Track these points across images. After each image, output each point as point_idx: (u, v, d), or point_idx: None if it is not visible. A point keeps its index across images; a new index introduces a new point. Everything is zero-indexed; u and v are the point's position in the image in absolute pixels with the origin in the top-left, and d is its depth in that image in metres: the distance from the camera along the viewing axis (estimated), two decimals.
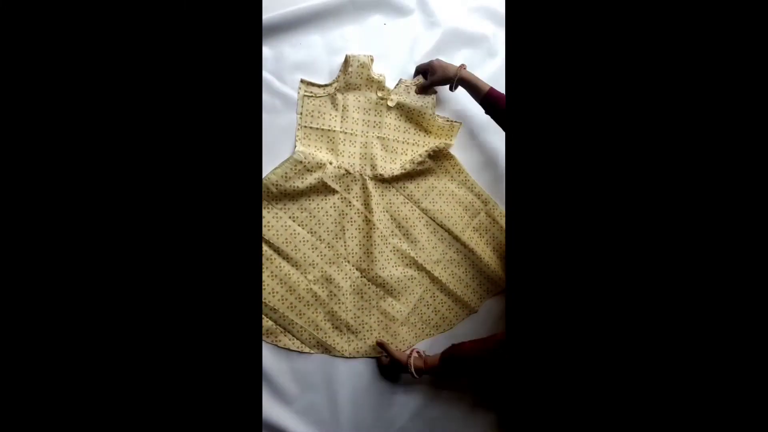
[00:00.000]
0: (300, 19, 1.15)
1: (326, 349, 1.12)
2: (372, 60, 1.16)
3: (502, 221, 1.22)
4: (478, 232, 1.21)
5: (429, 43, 1.23)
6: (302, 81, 1.14)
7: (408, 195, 1.18)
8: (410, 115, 1.18)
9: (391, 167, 1.17)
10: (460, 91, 1.14)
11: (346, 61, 1.14)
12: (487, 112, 1.09)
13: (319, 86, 1.15)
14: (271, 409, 1.07)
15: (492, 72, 1.24)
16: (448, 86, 1.15)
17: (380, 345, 1.12)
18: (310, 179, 1.11)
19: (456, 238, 1.19)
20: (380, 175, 1.15)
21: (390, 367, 1.11)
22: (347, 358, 1.13)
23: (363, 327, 1.14)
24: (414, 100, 1.17)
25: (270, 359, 1.09)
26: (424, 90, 1.17)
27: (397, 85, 1.17)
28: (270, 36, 1.14)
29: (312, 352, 1.12)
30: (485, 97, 1.06)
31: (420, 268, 1.17)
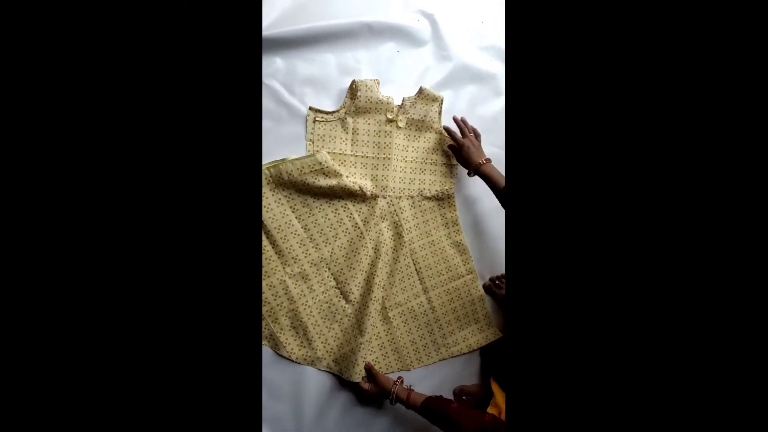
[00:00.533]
0: (317, 36, 1.19)
1: (276, 345, 1.12)
2: (378, 83, 1.19)
3: (476, 296, 1.22)
4: (449, 296, 1.21)
5: (438, 75, 1.26)
6: (311, 108, 1.17)
7: (406, 230, 1.19)
8: (419, 129, 1.21)
9: (400, 188, 1.19)
10: (463, 99, 1.20)
11: (353, 87, 1.17)
12: (503, 205, 1.07)
13: (328, 113, 1.17)
14: None
15: (497, 110, 1.27)
16: (466, 171, 1.16)
17: (367, 368, 1.11)
18: (323, 182, 1.12)
19: (425, 291, 1.20)
20: (388, 198, 1.17)
21: (370, 396, 1.10)
22: (292, 361, 1.12)
23: (319, 337, 1.14)
24: (420, 111, 1.20)
25: None
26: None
27: (402, 104, 1.20)
28: (285, 48, 1.17)
29: (262, 343, 1.12)
30: (502, 191, 1.06)
31: (380, 303, 1.17)
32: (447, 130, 1.19)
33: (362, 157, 1.17)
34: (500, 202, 1.08)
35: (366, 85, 1.17)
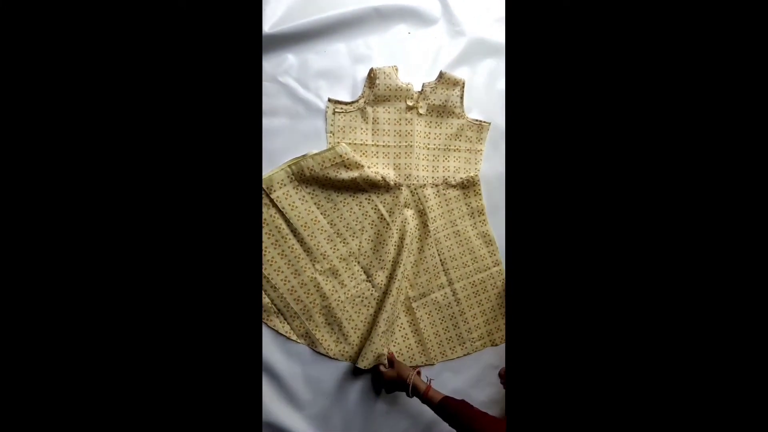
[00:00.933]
0: (325, 27, 1.17)
1: (312, 342, 1.11)
2: (396, 70, 1.16)
3: (503, 290, 1.19)
4: (474, 288, 1.19)
5: (453, 53, 1.22)
6: (330, 100, 1.15)
7: (431, 219, 1.17)
8: (441, 116, 1.18)
9: (424, 176, 1.17)
10: (482, 74, 1.19)
11: (372, 75, 1.15)
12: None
13: (348, 103, 1.16)
14: (282, 413, 1.07)
15: None
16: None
17: (389, 359, 1.10)
18: (345, 175, 1.11)
19: (449, 283, 1.18)
20: (412, 186, 1.16)
21: (387, 381, 1.07)
22: (330, 358, 1.12)
23: (355, 332, 1.13)
24: (441, 96, 1.16)
25: (283, 363, 1.09)
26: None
27: (422, 90, 1.17)
28: (295, 43, 1.16)
29: (298, 341, 1.11)
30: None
31: (404, 294, 1.15)
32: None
33: (384, 146, 1.15)
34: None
35: (384, 73, 1.14)
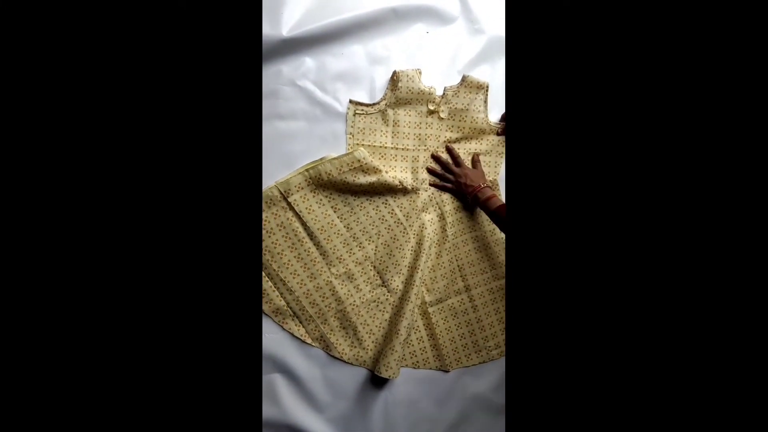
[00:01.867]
0: (343, 29, 1.17)
1: (327, 346, 1.11)
2: (420, 73, 1.15)
3: None
4: (492, 296, 1.16)
5: (473, 51, 1.20)
6: (351, 101, 1.15)
7: (449, 224, 1.16)
8: (463, 120, 1.16)
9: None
10: (502, 72, 1.19)
11: (395, 77, 1.14)
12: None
13: (369, 105, 1.15)
14: (303, 415, 1.08)
15: None
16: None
17: (447, 149, 1.15)
18: (362, 180, 1.11)
19: (467, 289, 1.16)
20: (432, 190, 1.15)
21: (446, 172, 1.12)
22: (345, 362, 1.11)
23: (369, 336, 1.12)
24: (463, 101, 1.15)
25: (302, 365, 1.10)
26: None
27: (443, 94, 1.16)
28: (312, 46, 1.16)
29: (313, 344, 1.11)
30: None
31: (421, 299, 1.14)
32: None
33: (403, 149, 1.15)
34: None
35: (407, 76, 1.13)
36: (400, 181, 1.13)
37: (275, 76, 1.14)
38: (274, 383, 1.08)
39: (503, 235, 1.17)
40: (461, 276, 1.16)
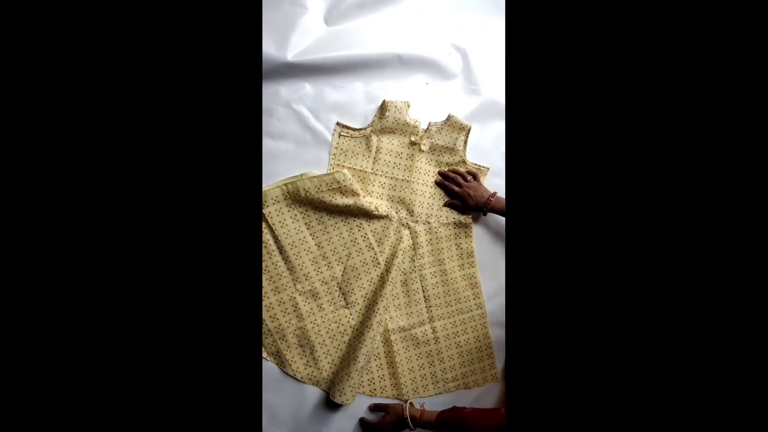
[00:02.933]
0: (347, 64, 1.20)
1: (281, 362, 1.11)
2: (408, 106, 1.19)
3: (482, 334, 1.21)
4: (454, 329, 1.19)
5: (467, 109, 1.25)
6: (338, 123, 1.18)
7: (419, 255, 1.18)
8: (441, 155, 1.20)
9: (418, 212, 1.18)
10: (490, 134, 1.24)
11: (383, 107, 1.18)
12: None
13: (355, 129, 1.19)
14: None
15: None
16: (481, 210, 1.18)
17: (374, 407, 1.10)
18: (339, 201, 1.12)
19: (430, 320, 1.18)
20: (404, 220, 1.17)
21: (380, 427, 1.08)
22: (297, 380, 1.11)
23: (326, 357, 1.12)
24: (445, 138, 1.20)
25: None
26: (451, 206, 1.21)
27: (427, 128, 1.20)
28: (315, 75, 1.19)
29: (267, 359, 1.10)
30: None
31: (384, 326, 1.15)
32: (441, 185, 1.20)
33: (381, 176, 1.17)
34: None
35: (396, 106, 1.18)
36: (375, 207, 1.15)
37: (273, 96, 1.17)
38: None
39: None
40: (426, 306, 1.17)
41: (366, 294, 1.14)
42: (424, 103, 1.23)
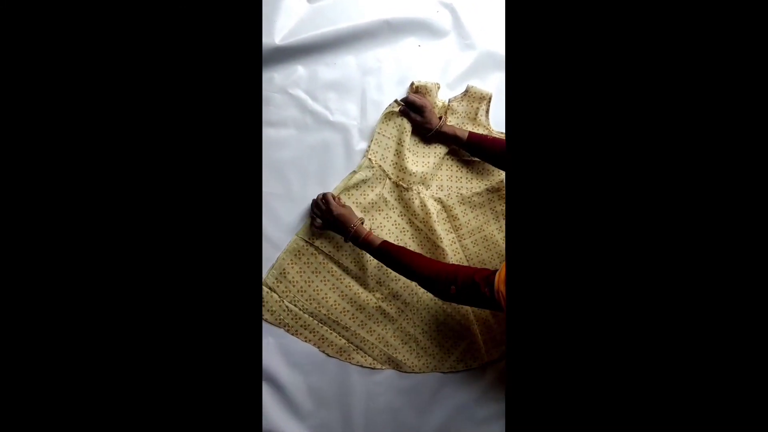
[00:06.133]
0: (335, 39, 1.17)
1: (397, 365, 1.14)
2: (438, 87, 1.18)
3: None
4: None
5: (463, 65, 1.22)
6: (396, 100, 1.17)
7: (455, 227, 1.18)
8: (465, 127, 1.18)
9: (447, 185, 1.18)
10: (491, 86, 1.20)
11: (415, 88, 1.17)
12: (473, 155, 1.15)
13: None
14: (285, 423, 1.08)
15: None
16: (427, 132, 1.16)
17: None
18: (372, 195, 1.13)
19: None
20: (437, 196, 1.17)
21: (334, 218, 1.07)
22: (417, 373, 1.14)
23: (431, 342, 1.15)
24: (466, 109, 1.19)
25: (285, 373, 1.10)
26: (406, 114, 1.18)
27: (449, 105, 1.18)
28: (305, 55, 1.16)
29: (383, 367, 1.14)
30: (468, 143, 1.12)
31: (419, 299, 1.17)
32: (404, 101, 1.17)
33: (413, 153, 1.16)
34: (470, 152, 1.13)
35: (427, 89, 1.16)
36: (407, 184, 1.15)
37: (267, 84, 1.14)
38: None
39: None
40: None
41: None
42: (420, 66, 1.20)
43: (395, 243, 1.11)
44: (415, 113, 1.15)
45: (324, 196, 1.10)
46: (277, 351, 1.10)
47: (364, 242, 1.03)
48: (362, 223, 1.08)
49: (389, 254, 1.00)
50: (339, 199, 1.11)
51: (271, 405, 1.08)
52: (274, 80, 1.15)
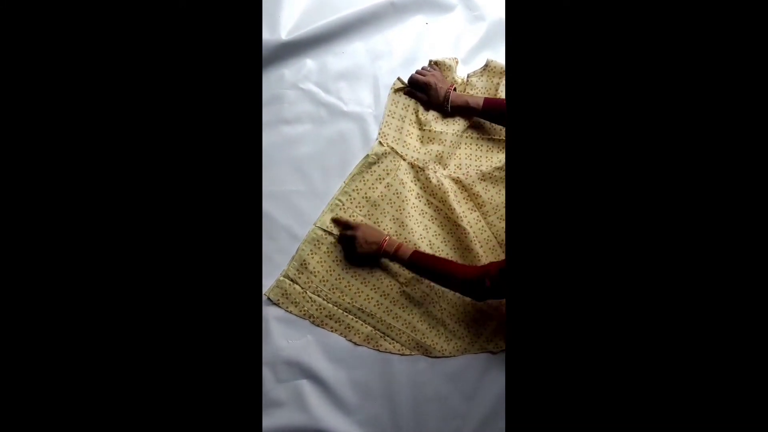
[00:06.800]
0: (342, 27, 1.15)
1: (426, 350, 1.12)
2: (457, 62, 1.15)
3: None
4: None
5: (474, 39, 1.19)
6: (399, 78, 1.15)
7: (478, 204, 1.15)
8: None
9: (467, 164, 1.15)
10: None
11: (433, 65, 1.15)
12: (493, 122, 1.13)
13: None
14: (332, 419, 1.07)
15: None
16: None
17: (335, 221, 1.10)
18: (388, 179, 1.11)
19: None
20: (455, 176, 1.14)
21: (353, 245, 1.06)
22: (447, 357, 1.12)
23: (459, 325, 1.13)
24: (486, 84, 1.16)
25: (328, 369, 1.09)
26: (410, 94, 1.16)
27: (468, 80, 1.16)
28: (313, 48, 1.15)
29: (412, 353, 1.12)
30: (484, 110, 1.09)
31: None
32: (409, 81, 1.15)
33: (428, 131, 1.14)
34: (485, 118, 1.12)
35: (446, 65, 1.14)
36: (423, 164, 1.12)
37: (278, 81, 1.13)
38: (302, 389, 1.07)
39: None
40: (503, 251, 1.16)
41: (460, 252, 1.13)
42: (431, 44, 1.17)
43: (416, 227, 1.09)
44: (421, 92, 1.12)
45: (340, 235, 1.09)
46: (318, 348, 1.10)
47: (395, 256, 1.04)
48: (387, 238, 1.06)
49: (421, 264, 1.00)
50: (352, 222, 1.09)
51: (316, 402, 1.07)
52: (285, 77, 1.13)
